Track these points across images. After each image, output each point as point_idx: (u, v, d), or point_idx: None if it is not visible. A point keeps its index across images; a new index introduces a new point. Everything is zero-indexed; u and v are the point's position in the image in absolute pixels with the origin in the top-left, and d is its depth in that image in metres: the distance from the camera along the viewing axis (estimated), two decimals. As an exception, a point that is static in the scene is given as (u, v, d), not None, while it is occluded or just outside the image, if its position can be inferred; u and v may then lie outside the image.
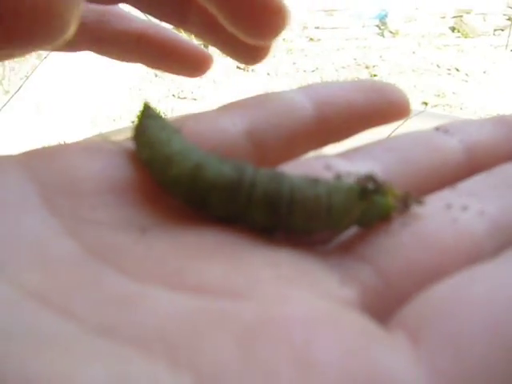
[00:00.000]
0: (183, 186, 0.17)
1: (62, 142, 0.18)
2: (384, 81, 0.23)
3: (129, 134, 0.19)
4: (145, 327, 0.12)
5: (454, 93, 1.93)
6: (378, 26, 2.51)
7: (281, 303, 0.14)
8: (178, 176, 0.17)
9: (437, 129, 0.22)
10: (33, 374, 0.10)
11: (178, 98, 1.81)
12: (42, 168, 0.17)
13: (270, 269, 0.15)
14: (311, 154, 0.21)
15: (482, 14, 2.51)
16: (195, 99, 1.80)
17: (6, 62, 1.30)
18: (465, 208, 0.17)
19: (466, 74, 2.07)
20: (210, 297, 0.14)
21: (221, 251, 0.16)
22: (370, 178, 0.17)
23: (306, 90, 0.22)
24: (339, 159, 0.21)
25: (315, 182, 0.17)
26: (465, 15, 2.51)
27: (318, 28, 2.50)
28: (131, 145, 0.19)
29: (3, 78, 1.33)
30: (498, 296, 0.13)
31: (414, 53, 2.23)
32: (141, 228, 0.16)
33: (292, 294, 0.14)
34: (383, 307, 0.15)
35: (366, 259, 0.16)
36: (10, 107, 1.38)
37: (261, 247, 0.16)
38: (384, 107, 0.22)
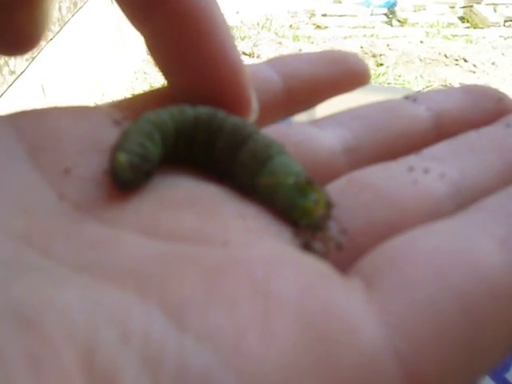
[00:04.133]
0: (169, 129, 0.18)
1: (49, 106, 0.19)
2: (351, 54, 0.24)
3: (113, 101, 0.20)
4: (118, 265, 0.13)
5: (460, 83, 1.92)
6: (386, 14, 2.49)
7: (246, 248, 0.15)
8: (162, 119, 0.18)
9: (406, 97, 0.22)
10: (17, 295, 0.11)
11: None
12: (29, 127, 0.17)
13: (239, 220, 0.16)
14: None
15: (493, 4, 2.49)
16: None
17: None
18: (426, 171, 0.18)
19: (474, 65, 2.06)
20: (181, 242, 0.15)
21: (193, 203, 0.16)
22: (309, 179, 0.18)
23: (274, 63, 0.23)
24: (310, 127, 0.21)
25: (271, 145, 0.18)
26: (475, 5, 2.48)
27: (325, 15, 2.49)
28: (114, 111, 0.19)
29: (9, 59, 1.33)
30: (447, 246, 0.14)
31: (421, 42, 2.22)
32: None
33: (257, 241, 0.15)
34: (345, 262, 0.16)
35: (331, 218, 0.17)
36: (16, 88, 1.39)
37: (231, 201, 0.17)
38: (345, 76, 0.23)
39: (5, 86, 1.37)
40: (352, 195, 0.18)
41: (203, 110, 0.19)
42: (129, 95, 0.22)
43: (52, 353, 0.10)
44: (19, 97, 1.38)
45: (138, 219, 0.15)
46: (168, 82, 0.20)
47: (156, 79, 1.80)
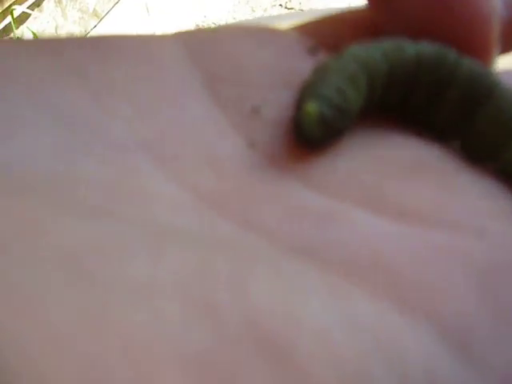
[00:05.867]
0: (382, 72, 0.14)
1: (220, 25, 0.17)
2: None
3: (291, 21, 0.17)
4: (352, 250, 0.10)
5: None
6: None
7: None
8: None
9: None
10: (253, 302, 0.08)
11: (286, 8, 1.61)
12: (204, 51, 0.14)
13: (488, 201, 0.12)
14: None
15: None
16: (302, 10, 1.63)
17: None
18: None
19: None
20: (422, 225, 0.11)
21: (423, 171, 0.13)
22: None
23: None
24: None
25: None
26: None
27: None
28: (306, 37, 0.15)
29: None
30: None
31: None
32: None
33: None
34: None
35: None
36: (121, 6, 1.56)
37: (467, 173, 0.13)
38: None
39: (111, 4, 1.52)
40: None
41: (428, 48, 0.14)
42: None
43: None
44: (124, 15, 1.51)
45: (356, 188, 0.12)
46: (372, 5, 0.15)
47: (258, 3, 1.63)
